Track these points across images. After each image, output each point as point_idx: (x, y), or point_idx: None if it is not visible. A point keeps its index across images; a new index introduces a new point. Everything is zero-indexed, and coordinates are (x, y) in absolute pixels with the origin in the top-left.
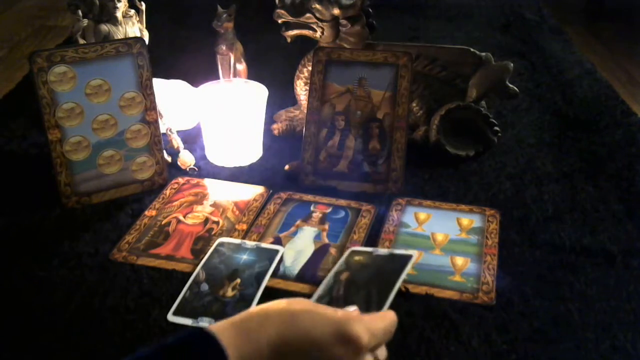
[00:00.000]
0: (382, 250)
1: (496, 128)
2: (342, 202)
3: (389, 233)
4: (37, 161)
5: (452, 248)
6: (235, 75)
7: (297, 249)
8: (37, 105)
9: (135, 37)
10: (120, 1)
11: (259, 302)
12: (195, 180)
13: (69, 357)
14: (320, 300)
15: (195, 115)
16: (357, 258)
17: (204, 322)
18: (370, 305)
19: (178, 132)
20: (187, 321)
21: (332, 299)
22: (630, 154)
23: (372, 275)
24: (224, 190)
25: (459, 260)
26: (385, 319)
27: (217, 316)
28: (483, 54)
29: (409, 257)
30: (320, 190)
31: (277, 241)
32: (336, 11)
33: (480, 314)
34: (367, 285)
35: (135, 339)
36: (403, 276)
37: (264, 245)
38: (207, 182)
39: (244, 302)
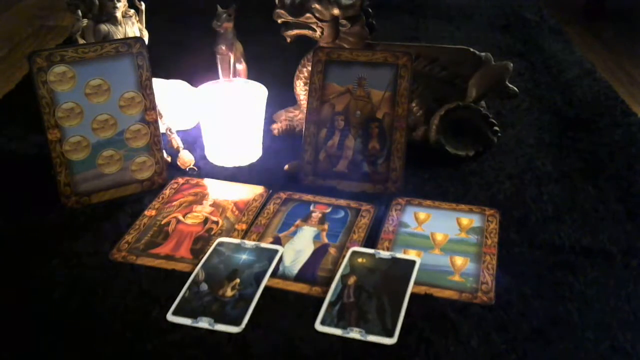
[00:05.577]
0: (384, 253)
1: (496, 128)
2: (342, 202)
3: (389, 233)
4: (37, 161)
5: (451, 248)
6: (235, 75)
7: (297, 249)
8: (37, 105)
9: (135, 37)
10: (120, 1)
11: (258, 302)
12: (194, 180)
13: (69, 357)
14: (332, 306)
15: (195, 115)
16: (360, 260)
17: (203, 322)
18: (384, 315)
19: (178, 132)
20: (186, 321)
21: (344, 305)
22: (630, 154)
23: (380, 281)
24: (224, 190)
25: (459, 260)
26: None
27: (217, 316)
28: (483, 54)
29: (412, 262)
30: (320, 190)
31: (277, 241)
32: (336, 11)
33: (479, 314)
34: (377, 292)
35: (135, 339)
36: (411, 285)
37: (263, 245)
38: (207, 182)
39: (243, 302)
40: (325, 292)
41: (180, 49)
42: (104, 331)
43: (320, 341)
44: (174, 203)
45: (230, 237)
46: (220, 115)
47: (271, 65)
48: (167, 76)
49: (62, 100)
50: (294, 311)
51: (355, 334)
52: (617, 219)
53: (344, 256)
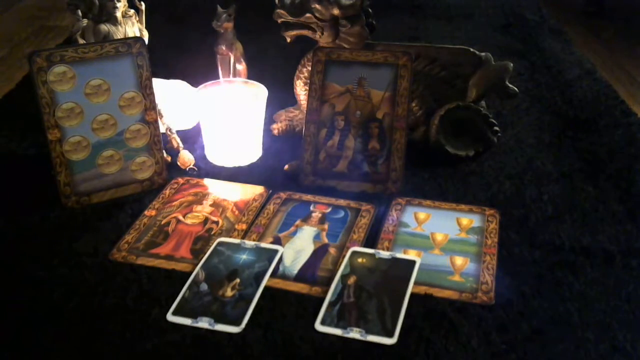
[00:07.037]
0: (384, 253)
1: (496, 128)
2: (342, 202)
3: (389, 233)
4: (37, 161)
5: (451, 248)
6: (235, 75)
7: (297, 249)
8: (37, 105)
9: (135, 37)
10: (120, 1)
11: (258, 302)
12: (194, 180)
13: (69, 357)
14: (331, 306)
15: (195, 115)
16: (360, 260)
17: (203, 322)
18: (384, 316)
19: (178, 132)
20: (186, 321)
21: (344, 305)
22: (630, 154)
23: (380, 281)
24: (224, 190)
25: (459, 260)
26: None
27: (217, 316)
28: (483, 54)
29: (412, 262)
30: (320, 190)
31: (277, 241)
32: (336, 11)
33: (479, 314)
34: (377, 292)
35: (135, 339)
36: (411, 285)
37: (263, 245)
38: (207, 182)
39: (243, 302)
40: (325, 292)
41: (180, 49)
42: (104, 331)
43: (320, 341)
44: (174, 203)
45: (230, 237)
46: (220, 115)
47: (271, 65)
48: (167, 76)
49: (62, 100)
50: (294, 311)
51: (355, 334)
52: (617, 219)
53: (344, 256)
